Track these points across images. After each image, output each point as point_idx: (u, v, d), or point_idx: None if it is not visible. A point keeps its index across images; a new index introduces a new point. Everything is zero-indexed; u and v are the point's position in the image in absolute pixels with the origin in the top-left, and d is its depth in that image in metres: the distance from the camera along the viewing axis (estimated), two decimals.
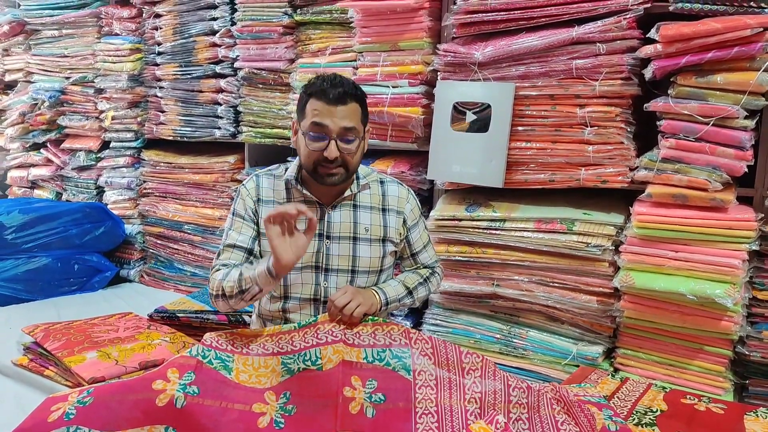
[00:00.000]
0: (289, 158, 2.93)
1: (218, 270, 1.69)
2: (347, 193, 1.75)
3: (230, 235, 1.74)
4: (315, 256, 1.73)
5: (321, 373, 1.48)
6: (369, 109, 2.41)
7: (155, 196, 3.49)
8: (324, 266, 1.74)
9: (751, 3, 1.85)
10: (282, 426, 1.42)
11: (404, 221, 1.83)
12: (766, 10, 1.84)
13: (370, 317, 1.59)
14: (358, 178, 1.78)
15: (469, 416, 1.47)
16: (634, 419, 1.72)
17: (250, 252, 1.72)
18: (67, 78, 3.70)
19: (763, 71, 1.81)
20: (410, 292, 1.80)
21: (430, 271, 1.91)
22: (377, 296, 1.69)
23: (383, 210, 1.80)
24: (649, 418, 1.73)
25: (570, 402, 1.55)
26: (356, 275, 1.75)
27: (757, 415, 1.77)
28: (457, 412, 1.48)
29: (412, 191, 1.89)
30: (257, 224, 1.75)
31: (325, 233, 1.74)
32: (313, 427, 1.42)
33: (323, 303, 1.73)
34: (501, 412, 1.49)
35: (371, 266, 1.77)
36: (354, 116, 1.65)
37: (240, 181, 3.11)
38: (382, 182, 1.84)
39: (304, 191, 1.74)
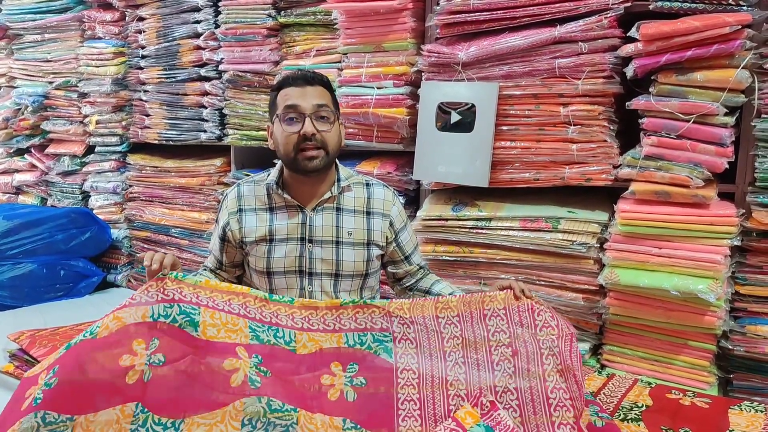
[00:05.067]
0: (275, 161, 2.92)
1: (204, 270, 1.88)
2: (327, 195, 1.74)
3: (212, 240, 1.87)
4: (298, 260, 1.73)
5: (295, 356, 1.45)
6: (354, 110, 2.46)
7: (141, 200, 3.46)
8: (308, 270, 1.74)
9: (730, 1, 1.87)
10: (258, 385, 1.36)
11: (391, 224, 1.81)
12: (744, 7, 1.86)
13: (352, 300, 1.56)
14: (339, 180, 1.77)
15: (451, 401, 1.46)
16: (620, 414, 1.74)
17: (220, 262, 1.84)
18: (51, 82, 3.66)
19: (742, 68, 1.83)
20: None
21: (430, 271, 1.92)
22: None
23: (368, 213, 1.79)
24: (635, 413, 1.75)
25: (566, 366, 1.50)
26: (340, 279, 1.75)
27: (741, 408, 1.79)
28: (439, 399, 1.47)
29: (398, 195, 1.89)
30: (223, 240, 1.81)
31: (307, 237, 1.73)
32: (292, 393, 1.38)
33: None
34: (488, 390, 1.47)
35: (355, 270, 1.76)
36: (324, 96, 1.70)
37: (227, 184, 3.11)
38: (367, 185, 1.83)
39: (285, 195, 1.74)
